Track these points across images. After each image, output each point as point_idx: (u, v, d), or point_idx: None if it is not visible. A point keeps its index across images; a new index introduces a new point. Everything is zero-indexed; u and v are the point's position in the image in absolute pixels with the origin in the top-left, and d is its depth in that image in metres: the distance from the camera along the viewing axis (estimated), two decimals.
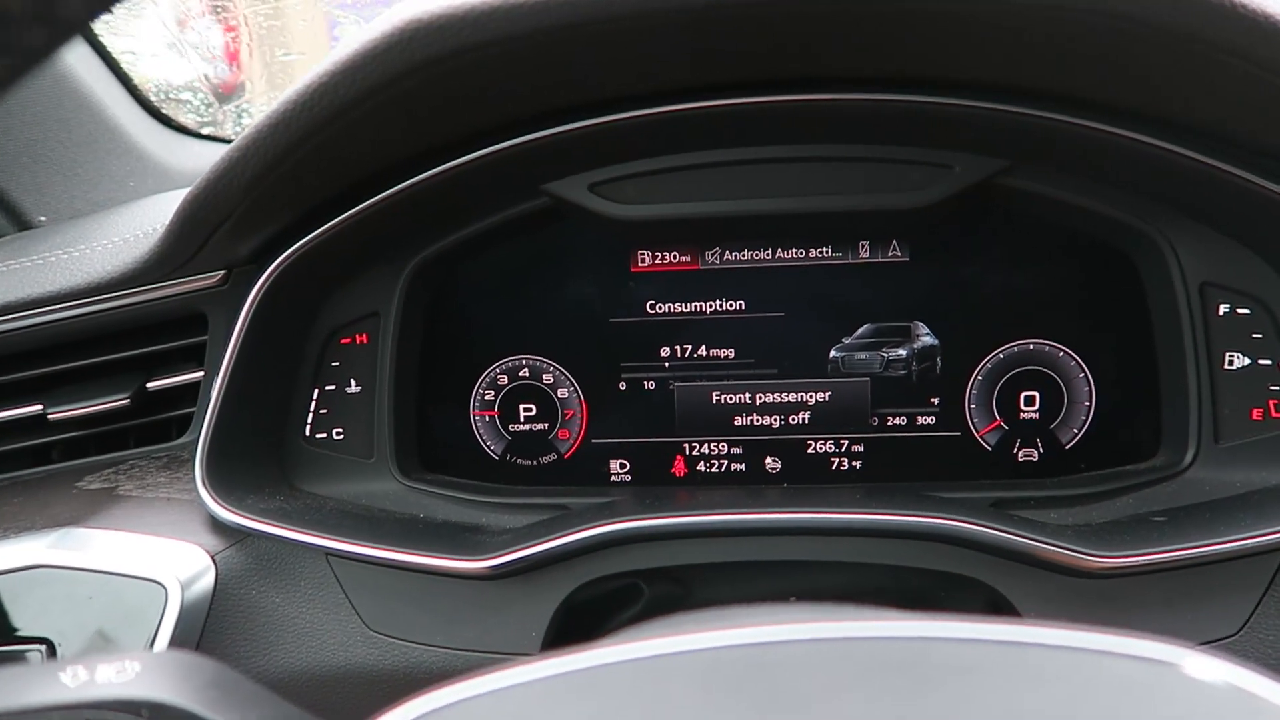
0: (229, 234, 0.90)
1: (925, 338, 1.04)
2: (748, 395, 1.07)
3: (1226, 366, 0.96)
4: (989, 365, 1.04)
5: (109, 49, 1.41)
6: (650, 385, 1.08)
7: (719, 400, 1.07)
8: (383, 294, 1.03)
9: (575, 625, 0.93)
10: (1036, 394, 1.04)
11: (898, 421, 1.06)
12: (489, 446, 1.11)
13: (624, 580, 0.94)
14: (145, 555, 0.91)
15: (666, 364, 1.07)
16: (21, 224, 1.33)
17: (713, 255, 1.05)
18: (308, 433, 1.06)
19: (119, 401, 1.01)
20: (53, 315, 1.00)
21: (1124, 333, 1.01)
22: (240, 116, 1.75)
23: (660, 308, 1.06)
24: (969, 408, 1.05)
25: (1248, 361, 0.96)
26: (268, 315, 0.96)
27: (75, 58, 1.34)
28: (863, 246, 1.03)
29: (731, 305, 1.05)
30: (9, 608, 0.88)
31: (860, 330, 1.05)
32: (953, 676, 0.38)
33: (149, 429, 1.06)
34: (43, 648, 0.87)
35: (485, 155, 0.90)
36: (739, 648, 0.43)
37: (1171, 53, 0.73)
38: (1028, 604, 0.88)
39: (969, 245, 1.02)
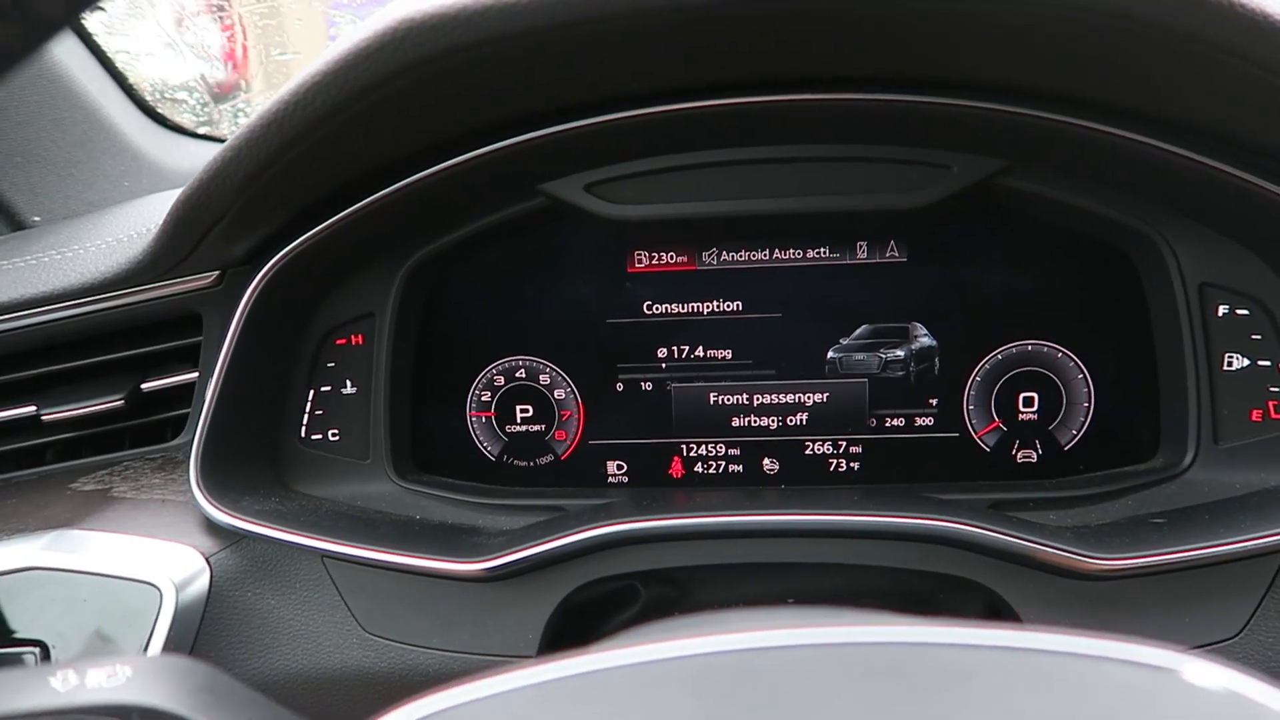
0: (223, 234, 0.90)
1: (923, 338, 1.04)
2: (745, 396, 1.06)
3: (1226, 367, 0.96)
4: (987, 366, 1.04)
5: (104, 48, 1.41)
6: (647, 386, 1.07)
7: (716, 401, 1.07)
8: (378, 294, 1.03)
9: (572, 627, 0.92)
10: (1035, 395, 1.03)
11: (896, 422, 1.05)
12: (485, 448, 1.10)
13: (621, 582, 0.94)
14: (140, 557, 0.90)
15: (664, 365, 1.07)
16: (15, 224, 1.33)
17: (710, 256, 1.05)
18: (303, 434, 1.06)
19: (113, 403, 1.01)
20: (47, 316, 0.99)
21: (1123, 334, 1.01)
22: (237, 116, 1.74)
23: (657, 308, 1.06)
24: (967, 409, 1.04)
25: (1247, 362, 0.96)
26: (262, 316, 0.95)
27: (69, 57, 1.34)
28: (860, 247, 1.03)
29: (729, 306, 1.05)
30: (3, 610, 0.88)
31: (858, 331, 1.04)
32: (949, 683, 0.38)
33: (144, 430, 1.05)
34: (37, 650, 0.87)
35: (480, 155, 0.89)
36: (733, 653, 0.42)
37: (1171, 52, 0.73)
38: (1026, 606, 0.87)
39: (967, 246, 1.02)
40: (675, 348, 1.06)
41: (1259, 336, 0.95)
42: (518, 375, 1.09)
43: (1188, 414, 0.96)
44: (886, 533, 0.89)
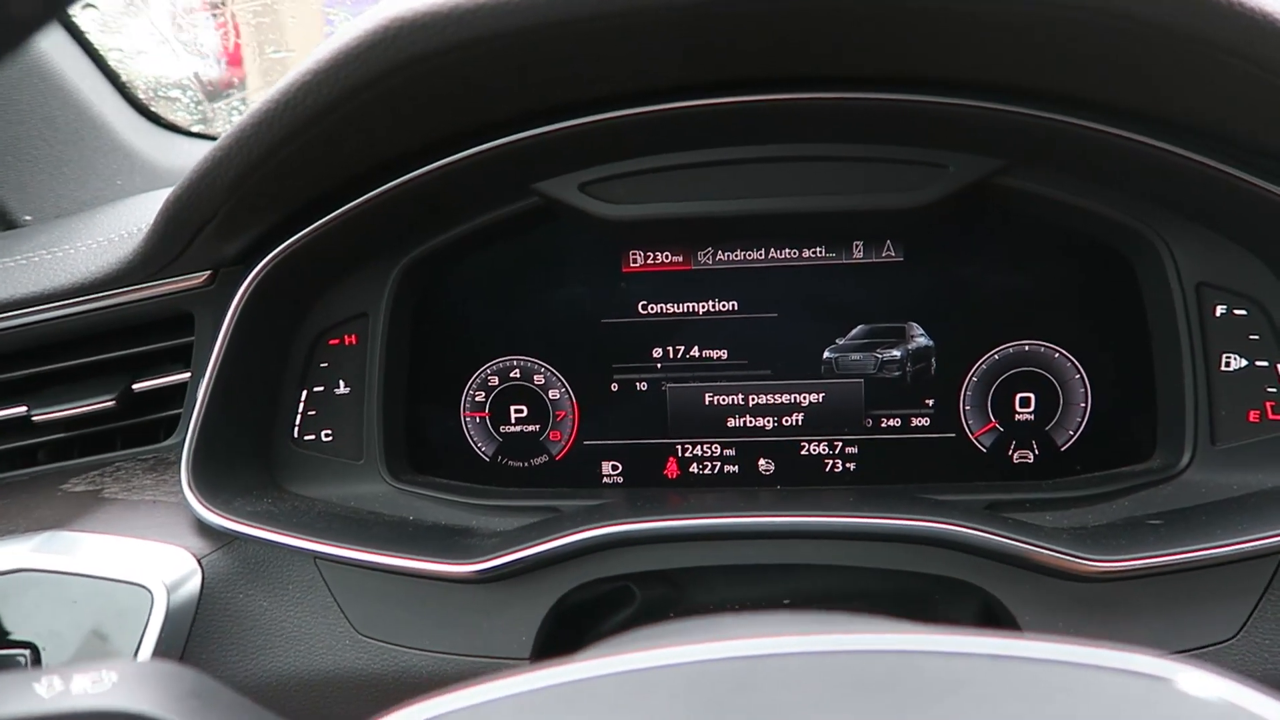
0: (214, 234, 0.89)
1: (920, 339, 1.03)
2: (741, 396, 1.06)
3: (1223, 368, 0.96)
4: (984, 366, 1.03)
5: (97, 46, 1.40)
6: (642, 386, 1.07)
7: (712, 401, 1.06)
8: (372, 294, 1.02)
9: (566, 629, 0.92)
10: (1032, 395, 1.03)
11: (892, 423, 1.05)
12: (480, 448, 1.10)
13: (616, 583, 0.93)
14: (131, 559, 0.90)
15: (659, 365, 1.06)
16: (6, 223, 1.32)
17: (705, 255, 1.04)
18: (296, 434, 1.05)
19: (105, 403, 1.00)
20: (37, 316, 0.99)
21: (1120, 334, 1.00)
22: (232, 114, 1.73)
23: (652, 308, 1.05)
24: (964, 409, 1.04)
25: (1244, 363, 0.95)
26: (255, 316, 0.95)
27: (61, 55, 1.33)
28: (857, 247, 1.02)
29: (724, 306, 1.05)
30: None
31: (854, 331, 1.04)
32: (939, 692, 0.38)
33: (136, 431, 1.05)
34: (27, 652, 0.86)
35: (474, 154, 0.89)
36: (724, 661, 0.42)
37: (1171, 52, 0.72)
38: (1022, 608, 0.87)
39: (964, 245, 1.01)
40: (670, 348, 1.06)
41: (1256, 337, 0.95)
42: (512, 375, 1.08)
43: (1185, 414, 0.96)
44: (882, 534, 0.88)
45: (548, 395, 1.08)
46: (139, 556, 0.90)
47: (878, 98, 0.86)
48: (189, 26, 1.76)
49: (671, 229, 1.01)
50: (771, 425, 1.06)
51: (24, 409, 1.02)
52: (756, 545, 0.92)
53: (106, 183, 1.34)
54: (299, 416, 1.05)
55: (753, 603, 0.93)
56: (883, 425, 1.05)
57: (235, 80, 1.81)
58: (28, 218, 1.32)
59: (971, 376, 1.03)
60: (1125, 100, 0.83)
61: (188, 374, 1.01)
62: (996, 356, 1.03)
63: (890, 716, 0.37)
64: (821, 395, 1.05)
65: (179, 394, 1.01)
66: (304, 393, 1.05)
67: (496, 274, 1.06)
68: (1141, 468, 1.00)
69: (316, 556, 0.92)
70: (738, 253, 1.04)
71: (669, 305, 1.05)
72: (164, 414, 1.03)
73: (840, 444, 1.06)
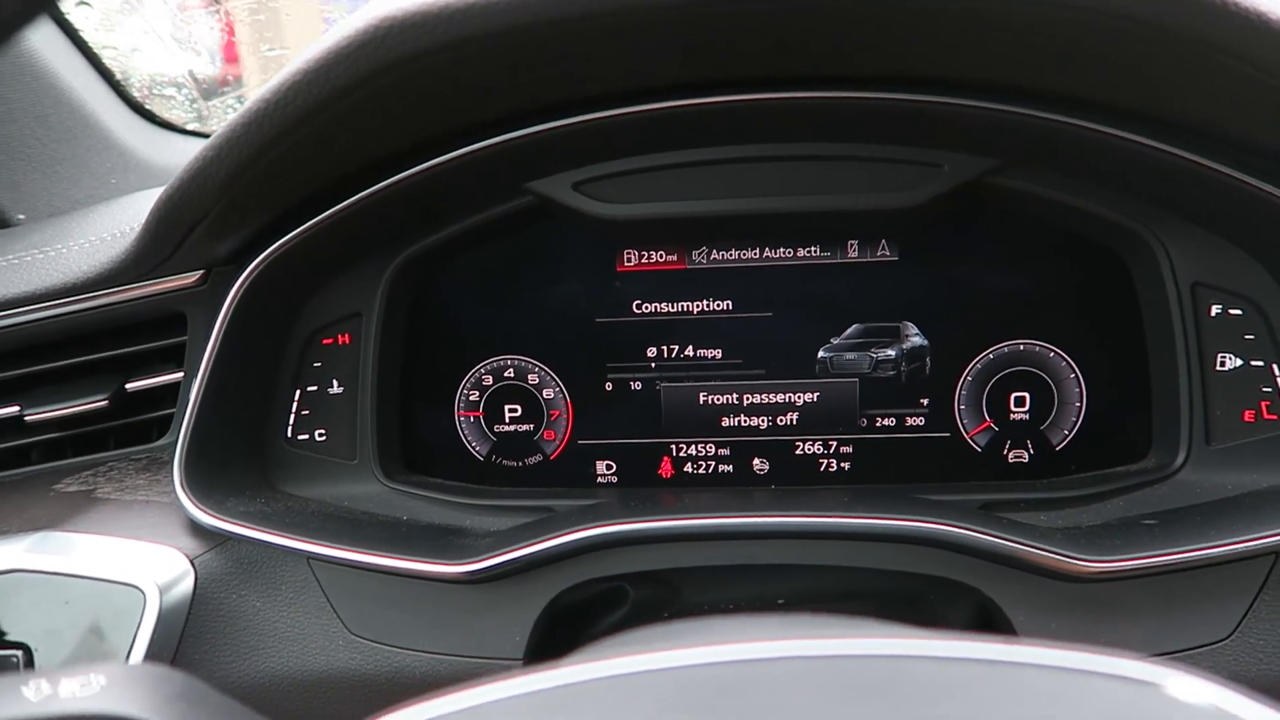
0: (206, 234, 0.89)
1: (914, 338, 1.03)
2: (735, 396, 1.06)
3: (1218, 368, 0.95)
4: (979, 366, 1.03)
5: (91, 44, 1.39)
6: (637, 386, 1.06)
7: (706, 401, 1.06)
8: (365, 294, 1.02)
9: (560, 629, 0.92)
10: (1027, 395, 1.03)
11: (887, 422, 1.05)
12: (474, 448, 1.10)
13: (610, 584, 0.93)
14: (123, 559, 0.89)
15: (653, 364, 1.06)
16: None
17: (700, 255, 1.04)
18: (289, 434, 1.05)
19: (97, 403, 1.00)
20: (30, 316, 0.98)
21: (1115, 333, 1.00)
22: (228, 112, 1.73)
23: (647, 307, 1.05)
24: (959, 409, 1.04)
25: (1240, 363, 0.95)
26: (247, 315, 0.94)
27: (54, 53, 1.32)
28: (851, 246, 1.02)
29: (719, 305, 1.04)
30: None
31: (849, 330, 1.03)
32: (926, 698, 0.37)
33: (128, 430, 1.04)
34: (20, 653, 0.86)
35: (466, 154, 0.88)
36: (716, 666, 0.42)
37: (1167, 52, 0.72)
38: (1017, 609, 0.87)
39: (959, 245, 1.01)
40: (665, 347, 1.05)
41: (1252, 336, 0.95)
42: (506, 375, 1.08)
43: (1180, 414, 0.96)
44: (876, 534, 0.88)
45: (542, 395, 1.08)
46: (132, 557, 0.90)
47: (873, 97, 0.85)
48: (185, 24, 1.76)
49: (666, 228, 1.00)
50: (766, 425, 1.06)
51: (16, 409, 1.01)
52: (751, 545, 0.92)
53: (101, 181, 1.33)
54: (292, 416, 1.05)
55: (747, 603, 0.93)
56: (877, 425, 1.05)
57: (231, 78, 1.81)
58: (21, 216, 1.31)
59: (966, 376, 1.03)
60: (1121, 100, 0.82)
61: (180, 374, 1.00)
62: (991, 356, 1.03)
63: None
64: (816, 395, 1.05)
65: (172, 394, 1.01)
66: (297, 392, 1.04)
67: (490, 273, 1.06)
68: (1136, 467, 1.00)
69: (310, 557, 0.92)
70: (732, 252, 1.03)
71: (663, 304, 1.05)
72: (157, 414, 1.03)
73: (835, 444, 1.06)
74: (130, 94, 1.45)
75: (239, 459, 1.01)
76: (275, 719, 0.52)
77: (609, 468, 1.08)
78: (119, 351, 1.01)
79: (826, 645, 0.41)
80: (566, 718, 0.40)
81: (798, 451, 1.06)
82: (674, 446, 1.07)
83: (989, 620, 0.88)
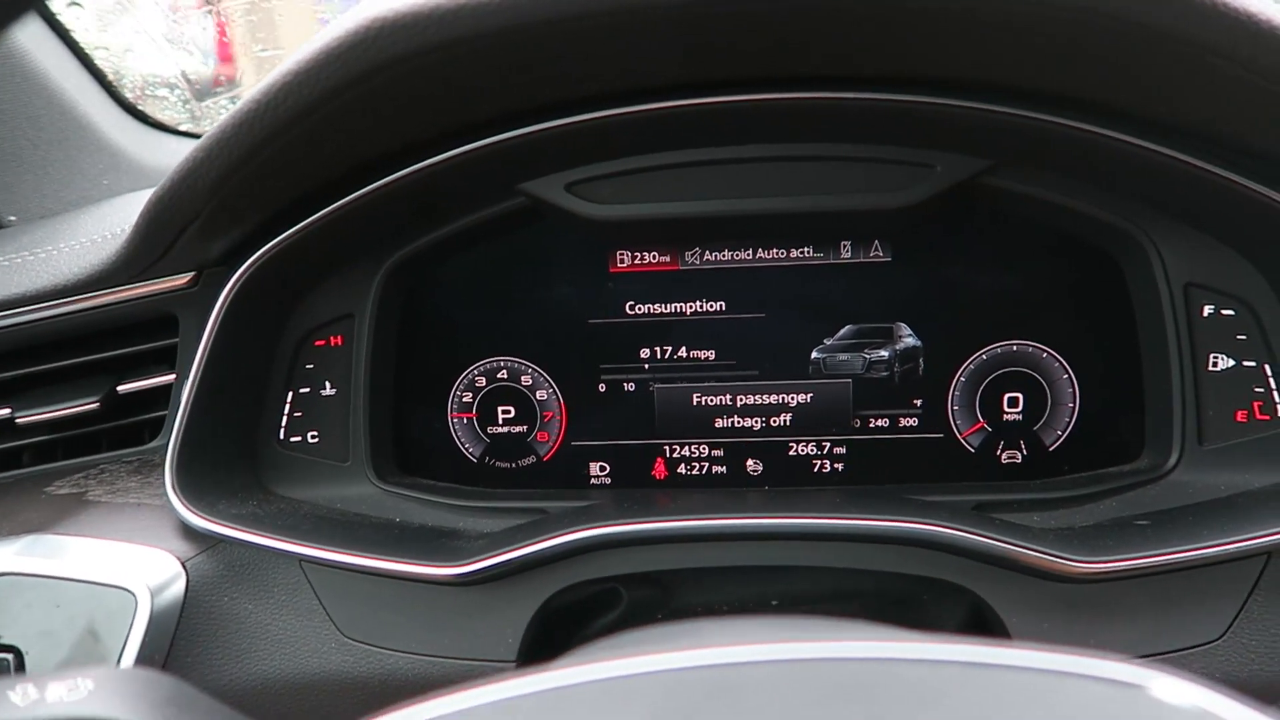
0: (197, 235, 0.89)
1: (908, 339, 1.03)
2: (729, 397, 1.06)
3: (1211, 368, 0.96)
4: (972, 367, 1.03)
5: (83, 44, 1.39)
6: (630, 387, 1.06)
7: (699, 402, 1.06)
8: (357, 295, 1.02)
9: (553, 631, 0.92)
10: (1020, 395, 1.03)
11: (880, 423, 1.05)
12: (467, 449, 1.10)
13: (603, 585, 0.93)
14: (115, 562, 0.89)
15: (646, 365, 1.06)
16: None
17: (692, 255, 1.04)
18: (282, 436, 1.05)
19: (89, 405, 0.99)
20: (21, 317, 0.98)
21: (1108, 334, 1.00)
22: (221, 113, 1.72)
23: (640, 308, 1.05)
24: (952, 409, 1.04)
25: (1232, 363, 0.95)
26: (239, 317, 0.94)
27: (46, 53, 1.32)
28: (844, 246, 1.02)
29: (712, 306, 1.04)
30: None
31: (842, 331, 1.03)
32: (913, 701, 0.37)
33: (120, 433, 1.04)
34: (10, 656, 0.86)
35: (458, 155, 0.88)
36: (707, 668, 0.42)
37: (1158, 53, 0.72)
38: (1010, 609, 0.87)
39: (952, 245, 1.01)
40: (658, 348, 1.05)
41: (1244, 337, 0.95)
42: (499, 376, 1.08)
43: (1172, 415, 0.96)
44: (869, 535, 0.88)
45: (535, 396, 1.08)
46: (123, 560, 0.89)
47: (867, 97, 0.85)
48: (178, 24, 1.75)
49: (659, 229, 1.00)
50: (760, 426, 1.06)
51: (8, 411, 1.01)
52: (744, 547, 0.91)
53: (93, 182, 1.33)
54: (285, 418, 1.04)
55: (740, 604, 0.93)
56: (871, 425, 1.05)
57: (224, 78, 1.80)
58: (12, 218, 1.31)
59: (959, 377, 1.03)
60: (1113, 101, 0.83)
61: (172, 375, 1.00)
62: (984, 356, 1.03)
63: None
64: (809, 395, 1.05)
65: (164, 396, 1.01)
66: (290, 394, 1.04)
67: (483, 274, 1.06)
68: (1129, 468, 1.00)
69: (302, 559, 0.91)
70: (725, 253, 1.03)
71: (656, 305, 1.05)
72: (149, 416, 1.03)
73: (828, 444, 1.06)
74: (123, 95, 1.44)
75: (231, 461, 1.00)
76: None
77: (602, 469, 1.08)
78: (111, 353, 1.01)
79: (816, 648, 0.41)
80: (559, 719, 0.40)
81: (791, 452, 1.06)
82: (667, 448, 1.07)
83: (982, 621, 0.88)
